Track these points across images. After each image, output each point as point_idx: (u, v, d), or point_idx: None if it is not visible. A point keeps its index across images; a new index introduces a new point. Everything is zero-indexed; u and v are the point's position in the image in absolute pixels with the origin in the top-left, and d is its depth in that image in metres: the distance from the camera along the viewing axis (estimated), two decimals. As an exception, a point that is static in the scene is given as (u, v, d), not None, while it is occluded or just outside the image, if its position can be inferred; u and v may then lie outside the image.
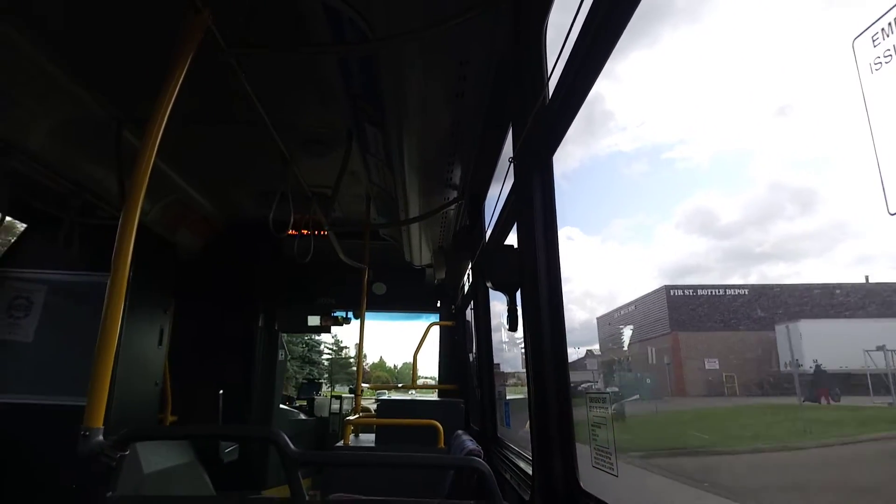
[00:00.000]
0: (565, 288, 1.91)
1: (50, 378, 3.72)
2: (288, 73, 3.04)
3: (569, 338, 1.88)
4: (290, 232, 3.84)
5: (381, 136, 3.14)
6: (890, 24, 0.68)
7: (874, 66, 0.71)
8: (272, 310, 6.00)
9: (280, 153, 3.39)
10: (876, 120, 0.71)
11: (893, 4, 0.67)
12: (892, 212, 0.67)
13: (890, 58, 0.68)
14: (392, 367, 65.65)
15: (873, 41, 0.70)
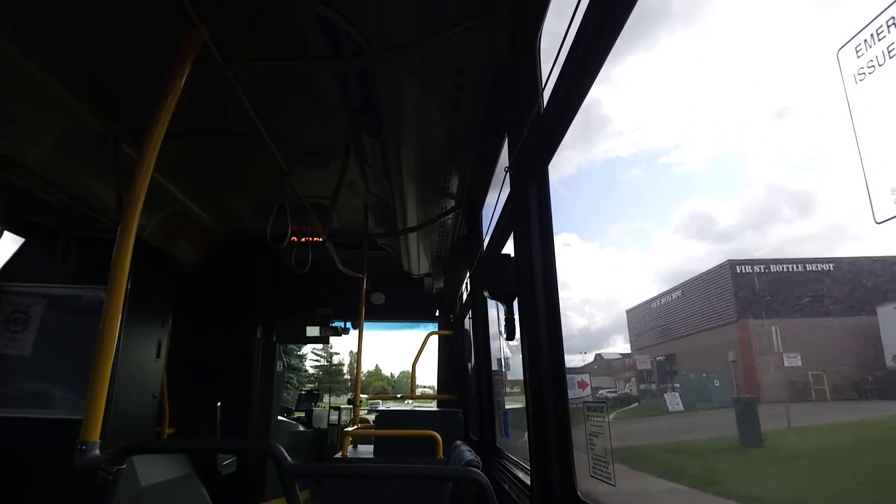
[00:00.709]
0: (563, 294, 1.91)
1: (47, 392, 3.71)
2: (285, 85, 3.06)
3: (574, 342, 1.87)
4: (288, 242, 3.84)
5: (379, 146, 3.16)
6: (872, 34, 0.69)
7: (858, 77, 0.72)
8: (270, 321, 5.99)
9: (278, 165, 3.40)
10: (861, 128, 0.72)
11: (875, 16, 0.68)
12: (879, 220, 0.68)
13: (873, 69, 0.70)
14: (389, 375, 65.01)
15: (857, 52, 0.72)
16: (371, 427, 4.58)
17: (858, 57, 0.72)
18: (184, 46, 1.90)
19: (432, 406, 6.79)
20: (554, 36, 1.87)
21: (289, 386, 24.60)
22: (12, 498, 3.47)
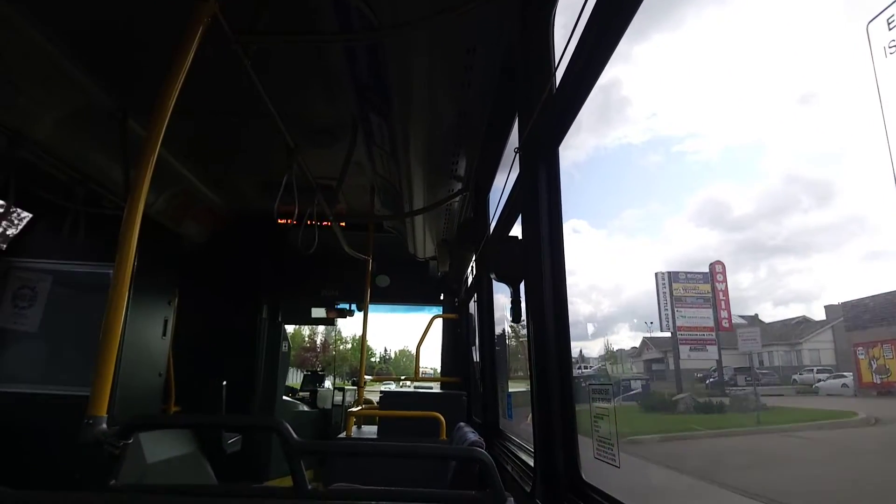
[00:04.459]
0: (571, 281, 1.90)
1: (54, 368, 3.74)
2: (294, 62, 3.02)
3: (580, 329, 1.86)
4: (293, 223, 3.83)
5: (387, 126, 3.13)
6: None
7: (888, 50, 0.69)
8: (276, 301, 6.01)
9: (285, 143, 3.38)
10: (889, 106, 0.70)
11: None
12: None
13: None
14: (383, 352, 62.13)
15: (888, 24, 0.69)
16: (375, 408, 4.61)
17: (890, 29, 0.69)
18: (193, 21, 1.88)
19: (435, 388, 6.82)
20: (567, 14, 1.83)
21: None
22: (19, 472, 3.51)
